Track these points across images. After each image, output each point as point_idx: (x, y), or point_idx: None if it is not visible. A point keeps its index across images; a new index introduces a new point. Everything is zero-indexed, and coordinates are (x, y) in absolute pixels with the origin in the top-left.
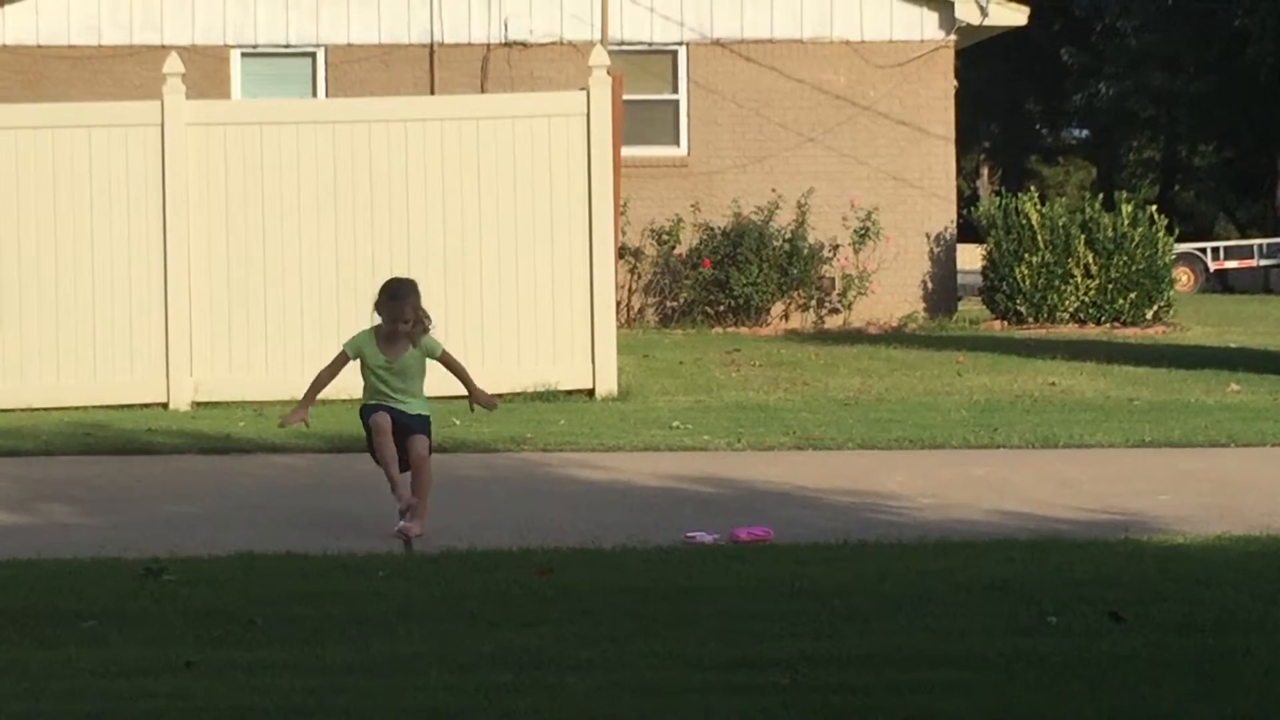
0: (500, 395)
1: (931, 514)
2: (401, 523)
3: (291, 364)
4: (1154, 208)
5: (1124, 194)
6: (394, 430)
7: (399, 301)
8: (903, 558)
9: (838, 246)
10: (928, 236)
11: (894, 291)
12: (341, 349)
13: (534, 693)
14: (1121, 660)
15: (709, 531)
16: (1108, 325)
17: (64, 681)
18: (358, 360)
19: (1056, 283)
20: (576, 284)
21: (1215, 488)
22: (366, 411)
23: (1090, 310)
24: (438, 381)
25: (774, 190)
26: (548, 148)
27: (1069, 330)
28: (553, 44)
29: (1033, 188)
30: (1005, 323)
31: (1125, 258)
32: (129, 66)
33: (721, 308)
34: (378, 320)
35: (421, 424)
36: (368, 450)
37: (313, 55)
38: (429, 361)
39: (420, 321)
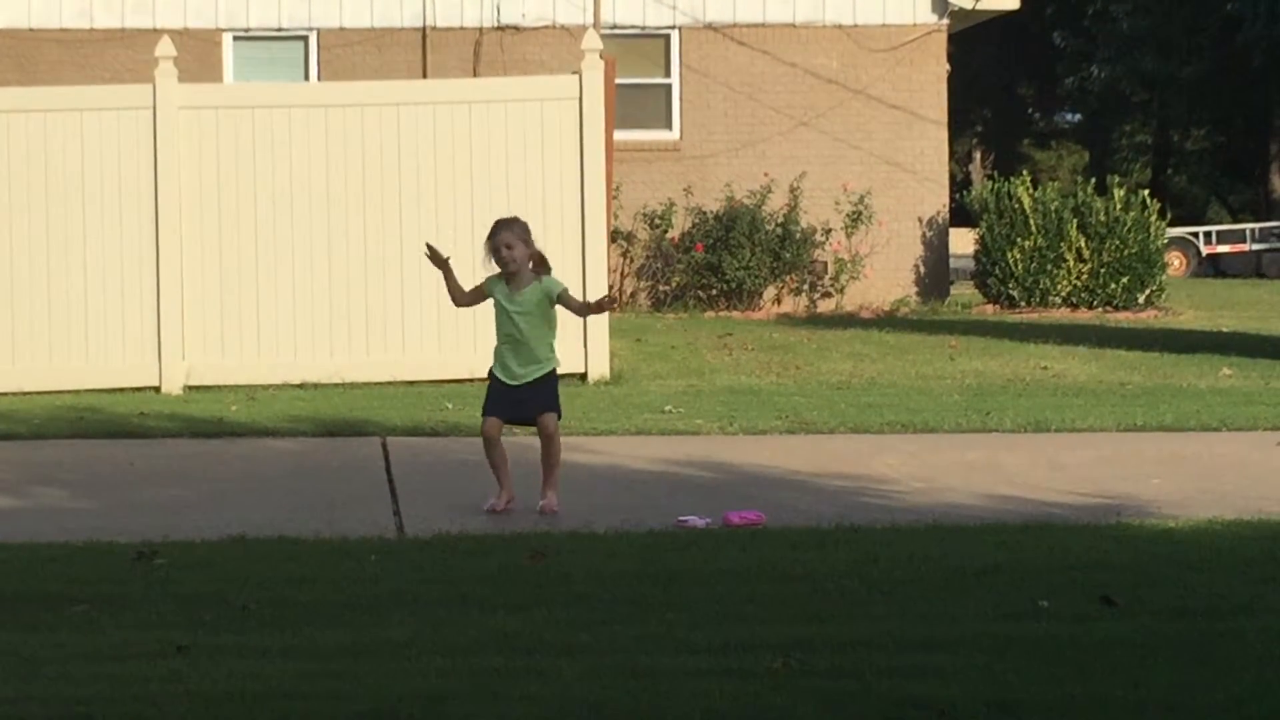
0: None
1: (923, 498)
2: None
3: (283, 348)
4: (1146, 192)
5: (1116, 178)
6: (514, 407)
7: (491, 239)
8: (895, 542)
9: (830, 231)
10: (920, 221)
11: (886, 276)
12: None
13: (526, 677)
14: (1113, 644)
15: (701, 515)
16: (1100, 309)
17: (55, 666)
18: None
19: (1049, 267)
20: (569, 268)
21: (1207, 472)
22: (491, 379)
23: (1082, 294)
24: (429, 366)
25: (766, 174)
26: (540, 132)
27: (1061, 314)
28: (545, 28)
29: (1025, 172)
30: (997, 307)
31: (1117, 242)
32: (121, 50)
33: (714, 292)
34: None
35: (545, 395)
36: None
37: (305, 39)
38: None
39: (528, 256)
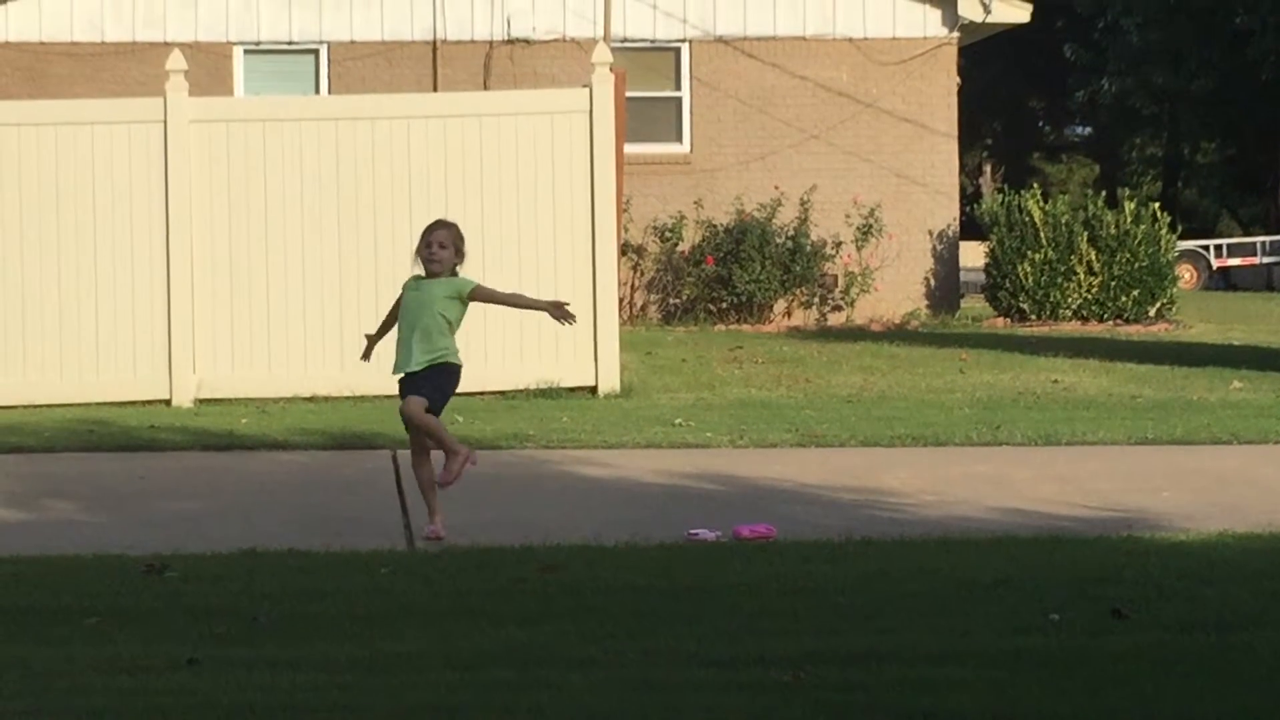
0: (503, 393)
1: (934, 511)
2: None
3: (294, 361)
4: (1157, 205)
5: (1126, 191)
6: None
7: (427, 235)
8: (905, 555)
9: (840, 244)
10: (930, 234)
11: (897, 289)
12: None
13: (536, 690)
14: (1124, 657)
15: (712, 529)
16: (1110, 323)
17: (66, 679)
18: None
19: (1059, 280)
20: (579, 281)
21: (1217, 485)
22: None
23: (1093, 308)
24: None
25: (777, 187)
26: (550, 145)
27: (1072, 328)
28: (556, 41)
29: (1035, 185)
30: (1008, 320)
31: (1128, 255)
32: (132, 63)
33: (724, 305)
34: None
35: (423, 380)
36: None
37: (315, 52)
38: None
39: (453, 262)
